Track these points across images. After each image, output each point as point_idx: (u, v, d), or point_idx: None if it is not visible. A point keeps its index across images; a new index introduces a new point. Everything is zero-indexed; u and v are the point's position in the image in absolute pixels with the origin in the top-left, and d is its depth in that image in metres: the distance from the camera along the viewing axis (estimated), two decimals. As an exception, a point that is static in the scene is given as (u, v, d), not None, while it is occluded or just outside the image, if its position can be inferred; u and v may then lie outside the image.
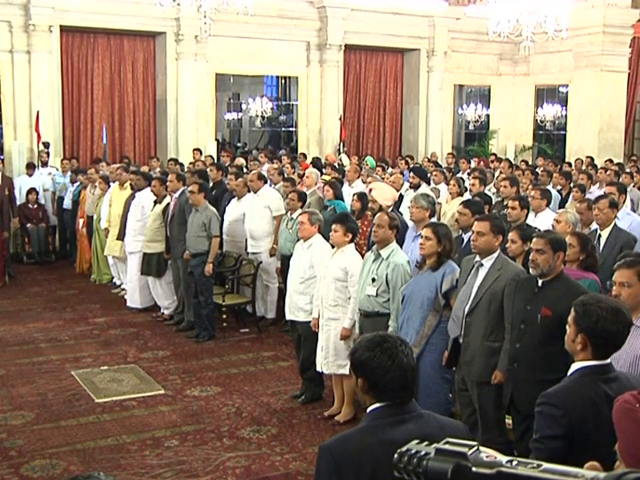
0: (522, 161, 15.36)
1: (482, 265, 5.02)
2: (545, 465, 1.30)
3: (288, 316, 6.74)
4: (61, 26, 13.78)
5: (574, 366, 3.05)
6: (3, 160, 13.22)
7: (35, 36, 13.42)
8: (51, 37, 13.66)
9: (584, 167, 13.93)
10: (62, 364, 7.57)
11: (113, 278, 11.13)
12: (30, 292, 10.79)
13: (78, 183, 12.26)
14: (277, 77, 21.20)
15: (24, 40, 13.46)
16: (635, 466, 2.12)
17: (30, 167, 13.09)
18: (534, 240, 4.58)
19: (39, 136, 13.51)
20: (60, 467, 5.29)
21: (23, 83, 13.55)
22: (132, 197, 9.84)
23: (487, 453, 1.36)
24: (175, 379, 7.19)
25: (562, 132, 18.50)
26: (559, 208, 8.69)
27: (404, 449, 1.42)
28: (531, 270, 4.52)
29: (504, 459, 1.33)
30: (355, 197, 8.24)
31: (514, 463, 1.32)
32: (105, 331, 8.82)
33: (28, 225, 12.63)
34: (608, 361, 3.03)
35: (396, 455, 1.41)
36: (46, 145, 13.48)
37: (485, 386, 4.90)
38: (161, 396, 6.74)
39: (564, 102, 18.44)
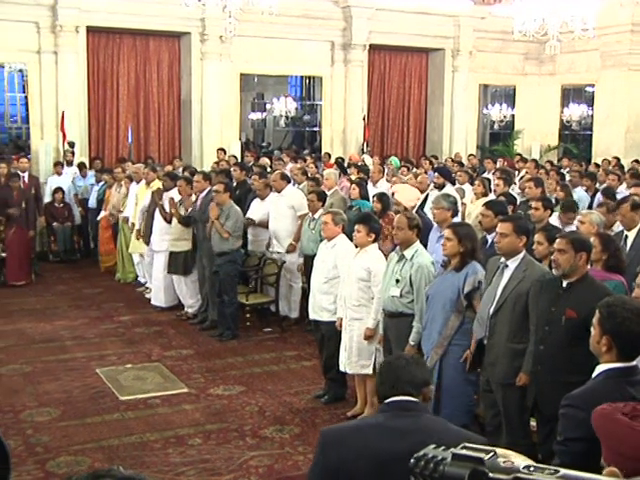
0: (547, 161, 15.23)
1: (507, 266, 4.98)
2: (563, 471, 1.29)
3: (311, 316, 6.75)
4: (87, 27, 13.88)
5: (599, 368, 3.02)
6: (30, 160, 13.35)
7: (62, 37, 13.52)
8: (78, 37, 13.76)
9: (611, 167, 13.77)
10: (87, 362, 7.63)
11: (138, 277, 11.21)
12: (56, 290, 10.89)
13: (103, 182, 12.35)
14: (301, 77, 21.23)
15: (51, 41, 13.57)
16: (625, 464, 2.10)
17: (58, 165, 13.20)
18: (557, 240, 4.55)
19: (64, 136, 13.62)
20: (85, 463, 5.33)
21: (50, 83, 13.65)
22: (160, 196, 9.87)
23: (505, 458, 1.35)
24: (198, 378, 7.22)
25: (588, 132, 18.32)
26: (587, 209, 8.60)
27: (421, 454, 1.42)
28: (553, 270, 4.49)
29: (521, 464, 1.32)
30: (375, 198, 8.21)
31: (531, 469, 1.31)
32: (130, 329, 8.88)
33: (54, 224, 12.75)
34: (634, 363, 2.99)
35: (412, 460, 1.41)
36: (71, 145, 13.59)
37: (509, 388, 4.86)
38: (184, 394, 6.78)
39: (590, 102, 18.27)
